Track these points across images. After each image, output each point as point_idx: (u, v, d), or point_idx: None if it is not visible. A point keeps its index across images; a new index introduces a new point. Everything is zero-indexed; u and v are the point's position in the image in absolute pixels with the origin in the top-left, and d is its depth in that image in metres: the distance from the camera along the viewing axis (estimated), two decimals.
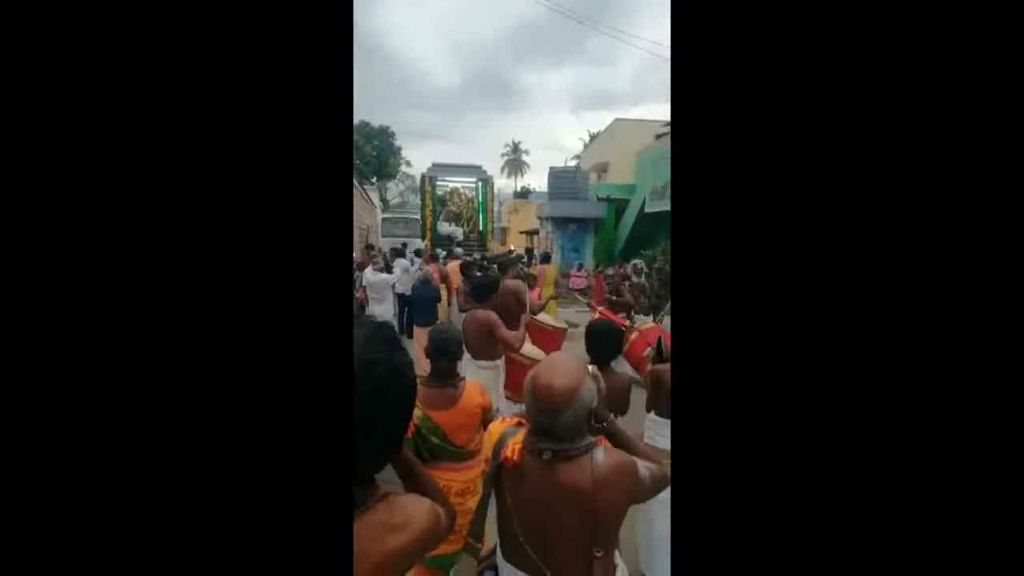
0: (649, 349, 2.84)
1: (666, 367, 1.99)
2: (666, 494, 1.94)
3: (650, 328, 3.13)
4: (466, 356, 2.76)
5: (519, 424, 1.12)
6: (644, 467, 1.06)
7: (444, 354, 1.67)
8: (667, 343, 2.38)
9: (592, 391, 1.02)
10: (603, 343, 1.93)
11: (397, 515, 0.68)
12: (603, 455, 1.01)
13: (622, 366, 2.92)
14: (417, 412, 1.54)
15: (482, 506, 1.12)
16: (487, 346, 2.68)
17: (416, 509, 0.71)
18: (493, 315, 2.66)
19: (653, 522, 1.93)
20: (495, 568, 1.14)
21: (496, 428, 1.13)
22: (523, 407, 1.08)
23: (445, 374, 1.68)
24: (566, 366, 1.03)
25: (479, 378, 2.39)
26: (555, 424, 0.99)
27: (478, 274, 4.05)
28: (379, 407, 0.66)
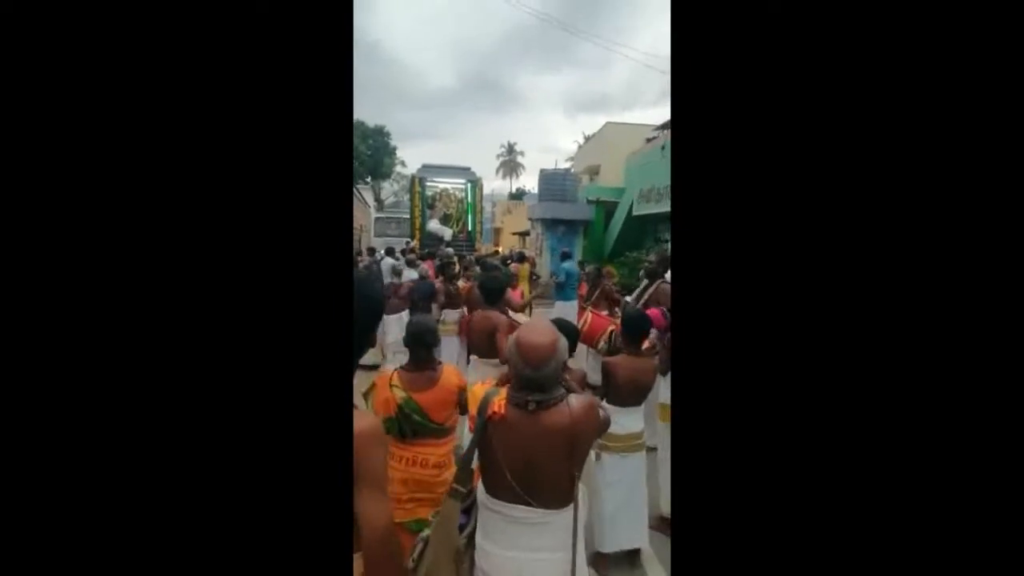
0: (603, 344, 2.98)
1: (616, 359, 2.16)
2: (618, 478, 2.10)
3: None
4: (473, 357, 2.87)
5: (497, 385, 1.30)
6: (600, 408, 1.34)
7: (421, 343, 1.85)
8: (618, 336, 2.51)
9: (565, 346, 1.22)
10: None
11: None
12: (575, 399, 1.21)
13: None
14: (400, 393, 1.73)
15: (468, 457, 1.26)
16: (492, 345, 2.71)
17: None
18: (501, 319, 2.69)
19: (604, 503, 2.09)
20: (468, 511, 1.30)
21: (479, 390, 1.29)
22: None
23: (423, 360, 1.85)
24: (543, 327, 1.23)
25: (487, 375, 2.48)
26: (539, 376, 1.16)
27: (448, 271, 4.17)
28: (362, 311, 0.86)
